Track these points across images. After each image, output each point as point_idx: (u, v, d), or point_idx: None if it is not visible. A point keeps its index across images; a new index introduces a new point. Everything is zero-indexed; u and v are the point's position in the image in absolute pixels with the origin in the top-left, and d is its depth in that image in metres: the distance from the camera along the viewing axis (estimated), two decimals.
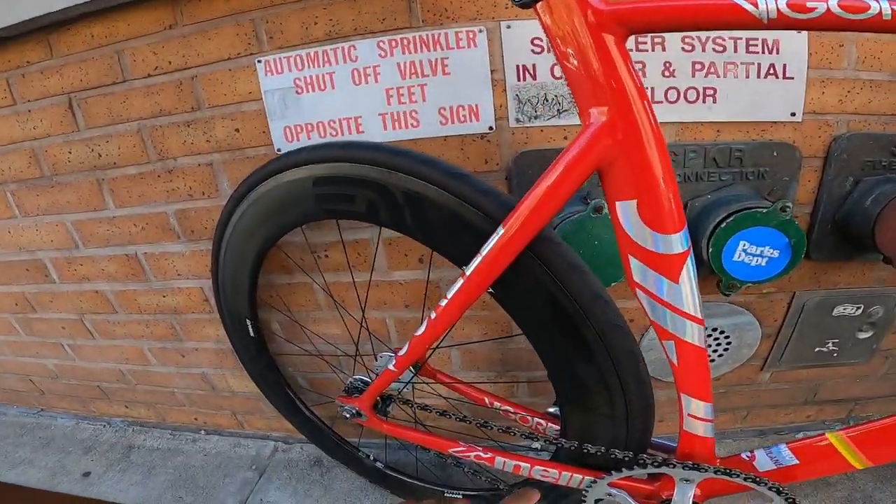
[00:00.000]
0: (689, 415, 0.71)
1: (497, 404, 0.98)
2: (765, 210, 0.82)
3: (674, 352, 0.67)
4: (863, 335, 1.12)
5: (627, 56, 0.56)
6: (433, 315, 0.74)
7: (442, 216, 0.73)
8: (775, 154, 0.88)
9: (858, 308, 1.07)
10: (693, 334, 0.65)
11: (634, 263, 0.64)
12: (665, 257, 0.62)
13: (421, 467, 1.31)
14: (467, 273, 0.69)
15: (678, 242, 0.61)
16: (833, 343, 1.13)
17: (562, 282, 0.68)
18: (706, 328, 1.11)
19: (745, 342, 1.14)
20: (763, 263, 0.88)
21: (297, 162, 0.82)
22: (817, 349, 1.14)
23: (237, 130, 1.01)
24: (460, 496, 1.17)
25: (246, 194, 0.91)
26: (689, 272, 0.62)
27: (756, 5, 0.48)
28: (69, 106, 1.07)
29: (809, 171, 0.92)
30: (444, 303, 0.72)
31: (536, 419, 0.95)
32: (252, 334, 1.13)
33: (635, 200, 0.60)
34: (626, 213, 0.61)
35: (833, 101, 0.85)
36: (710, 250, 0.87)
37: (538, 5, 0.57)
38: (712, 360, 1.18)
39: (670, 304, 0.64)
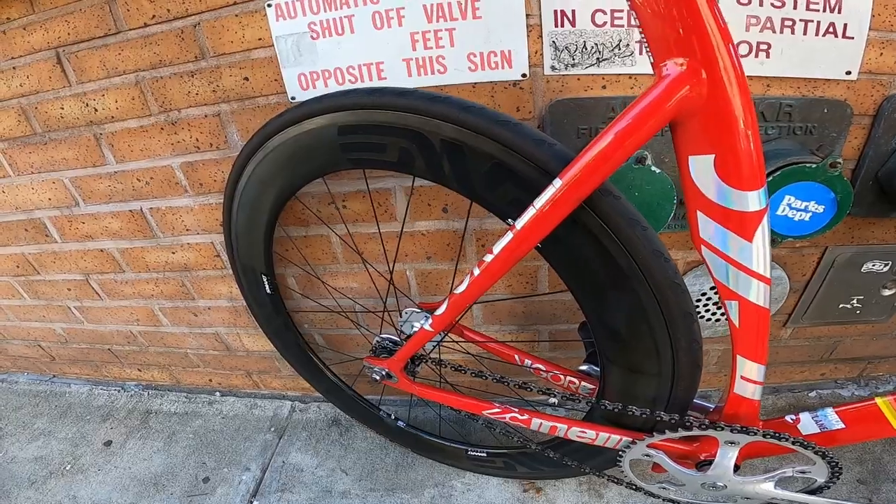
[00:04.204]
0: (742, 377, 0.70)
1: (528, 361, 0.97)
2: (814, 165, 0.81)
3: (736, 312, 0.64)
4: (887, 292, 1.12)
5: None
6: (476, 272, 0.71)
7: (487, 166, 0.69)
8: (826, 111, 0.87)
9: (887, 264, 1.07)
10: (759, 294, 0.62)
11: (703, 220, 0.61)
12: (741, 215, 0.58)
13: (441, 424, 1.32)
14: (517, 227, 0.65)
15: (757, 200, 0.57)
16: (857, 300, 1.14)
17: (620, 237, 0.65)
18: None
19: (773, 297, 1.14)
20: (807, 218, 0.86)
21: (320, 110, 0.78)
22: (841, 305, 1.15)
23: (246, 79, 0.96)
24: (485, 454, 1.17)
25: (262, 144, 0.87)
26: (763, 231, 0.59)
27: None
28: (57, 61, 1.01)
29: (857, 127, 0.90)
30: (489, 258, 0.69)
31: (569, 377, 0.95)
32: (269, 291, 1.09)
33: (713, 155, 0.56)
34: (702, 168, 0.57)
35: (890, 62, 0.84)
36: None
37: None
38: None
39: (739, 263, 0.61)
